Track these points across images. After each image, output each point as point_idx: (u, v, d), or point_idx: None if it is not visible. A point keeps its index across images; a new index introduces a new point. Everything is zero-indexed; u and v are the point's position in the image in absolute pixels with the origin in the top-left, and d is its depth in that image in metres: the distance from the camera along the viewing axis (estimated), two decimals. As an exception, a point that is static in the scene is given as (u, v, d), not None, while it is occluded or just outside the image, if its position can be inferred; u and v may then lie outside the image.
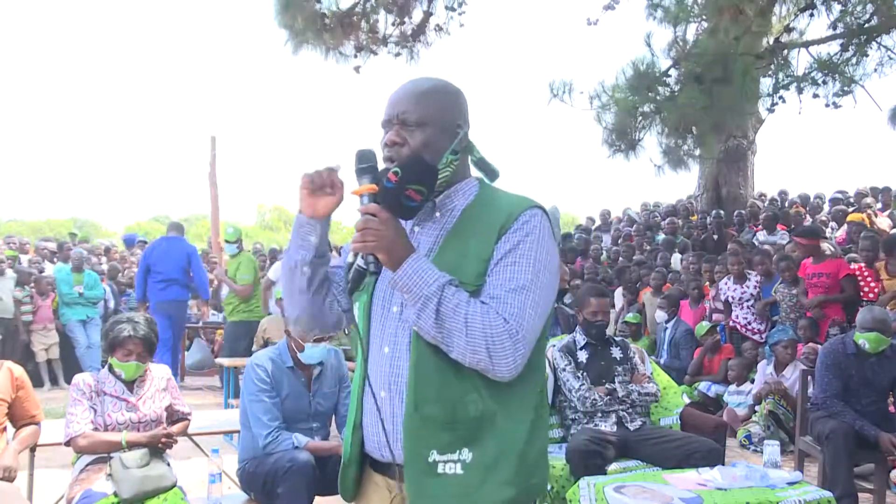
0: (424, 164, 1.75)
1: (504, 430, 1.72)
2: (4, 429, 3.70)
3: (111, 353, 3.67)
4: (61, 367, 9.89)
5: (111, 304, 10.68)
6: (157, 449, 3.56)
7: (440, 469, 1.70)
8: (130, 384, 3.70)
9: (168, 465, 3.58)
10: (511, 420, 1.73)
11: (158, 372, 3.84)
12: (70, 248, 11.01)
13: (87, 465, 3.57)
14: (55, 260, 11.24)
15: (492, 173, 1.90)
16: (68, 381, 6.51)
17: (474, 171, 1.92)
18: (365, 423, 1.85)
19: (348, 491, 1.94)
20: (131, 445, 3.49)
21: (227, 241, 8.67)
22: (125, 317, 3.76)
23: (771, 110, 9.64)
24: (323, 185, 1.79)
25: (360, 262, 1.73)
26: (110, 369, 3.70)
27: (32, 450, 3.90)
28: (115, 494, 3.31)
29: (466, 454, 1.70)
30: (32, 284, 9.90)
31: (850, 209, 10.76)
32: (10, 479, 3.51)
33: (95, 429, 3.55)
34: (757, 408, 6.49)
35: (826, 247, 7.79)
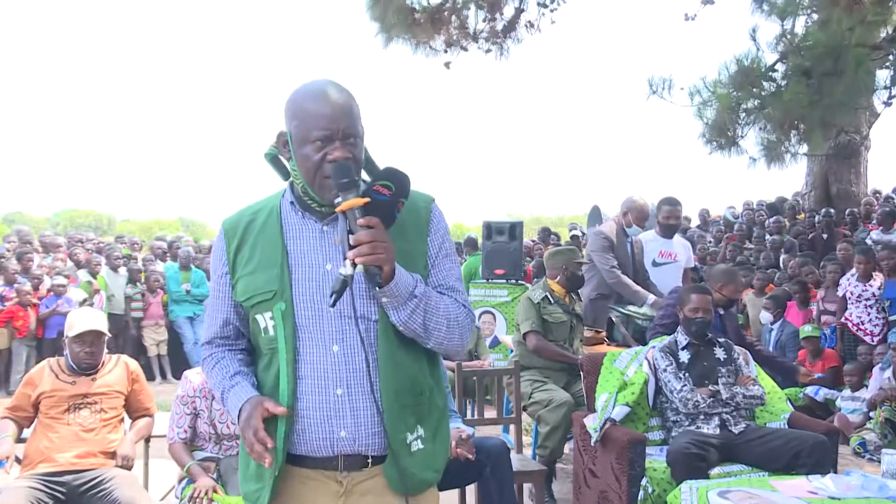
0: (403, 175, 1.82)
1: (437, 402, 1.92)
2: (122, 420, 3.88)
3: None
4: (169, 362, 10.28)
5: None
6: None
7: (413, 448, 1.85)
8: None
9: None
10: (440, 392, 1.94)
11: None
12: (178, 246, 11.40)
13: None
14: (166, 258, 11.65)
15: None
16: (176, 377, 6.77)
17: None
18: (306, 425, 1.81)
19: (264, 501, 1.86)
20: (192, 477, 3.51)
21: None
22: None
23: (888, 103, 9.23)
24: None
25: (353, 272, 1.71)
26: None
27: (147, 441, 4.06)
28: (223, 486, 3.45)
29: (420, 430, 1.87)
30: (143, 282, 10.34)
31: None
32: (128, 468, 3.68)
33: (200, 433, 3.66)
34: (872, 414, 6.20)
35: None
